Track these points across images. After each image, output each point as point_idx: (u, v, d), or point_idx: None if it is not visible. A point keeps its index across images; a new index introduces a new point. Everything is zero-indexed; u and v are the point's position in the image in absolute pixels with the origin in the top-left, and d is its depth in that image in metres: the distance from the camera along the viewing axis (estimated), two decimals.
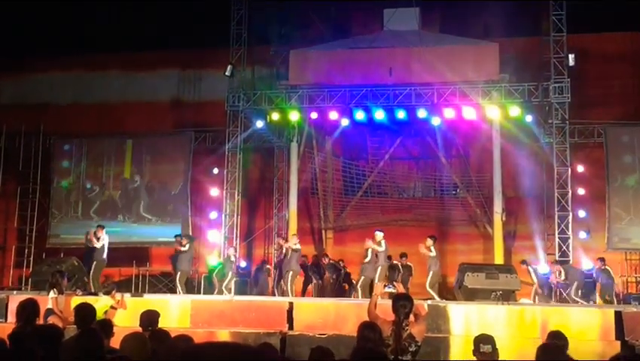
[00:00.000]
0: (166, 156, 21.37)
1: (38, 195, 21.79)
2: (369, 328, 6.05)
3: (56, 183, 21.98)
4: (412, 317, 6.57)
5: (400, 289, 7.61)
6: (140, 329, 6.69)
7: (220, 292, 17.23)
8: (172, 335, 5.81)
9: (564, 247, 17.94)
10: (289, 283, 16.69)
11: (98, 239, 16.44)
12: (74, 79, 23.31)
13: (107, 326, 6.45)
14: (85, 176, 22.06)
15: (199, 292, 18.35)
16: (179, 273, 17.16)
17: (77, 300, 11.16)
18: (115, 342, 5.60)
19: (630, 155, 19.74)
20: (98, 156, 22.04)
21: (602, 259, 17.73)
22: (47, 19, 21.83)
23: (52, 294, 11.65)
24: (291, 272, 16.81)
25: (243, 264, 18.70)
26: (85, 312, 6.67)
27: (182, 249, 17.30)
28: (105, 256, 16.38)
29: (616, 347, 11.00)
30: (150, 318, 7.27)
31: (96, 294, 14.22)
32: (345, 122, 19.77)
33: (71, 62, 23.22)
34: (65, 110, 22.76)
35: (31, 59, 23.01)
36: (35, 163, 21.90)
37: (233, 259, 18.01)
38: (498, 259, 18.57)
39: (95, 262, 16.31)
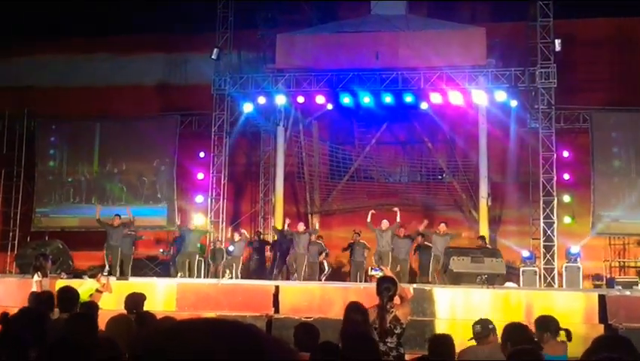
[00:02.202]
0: (152, 139, 21.26)
1: (22, 178, 21.67)
2: (355, 310, 6.07)
3: (41, 165, 21.85)
4: (397, 300, 6.60)
5: (388, 272, 7.64)
6: (125, 312, 6.69)
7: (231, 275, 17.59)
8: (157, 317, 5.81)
9: (549, 232, 18.06)
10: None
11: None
12: (60, 62, 23.09)
13: (92, 308, 6.45)
14: (69, 160, 21.94)
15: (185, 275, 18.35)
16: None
17: (61, 283, 11.13)
18: (100, 324, 5.58)
19: (615, 141, 19.81)
20: (82, 139, 21.90)
21: (422, 235, 17.90)
22: (32, 1, 21.61)
23: (36, 277, 11.63)
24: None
25: (231, 248, 18.70)
26: (68, 295, 6.65)
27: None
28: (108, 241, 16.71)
29: (599, 330, 11.11)
30: (135, 301, 7.26)
31: (80, 276, 14.18)
32: (329, 106, 19.74)
33: (57, 45, 23.01)
34: (51, 93, 22.56)
35: (16, 41, 22.76)
36: (19, 146, 21.76)
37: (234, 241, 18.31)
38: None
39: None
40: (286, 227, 18.47)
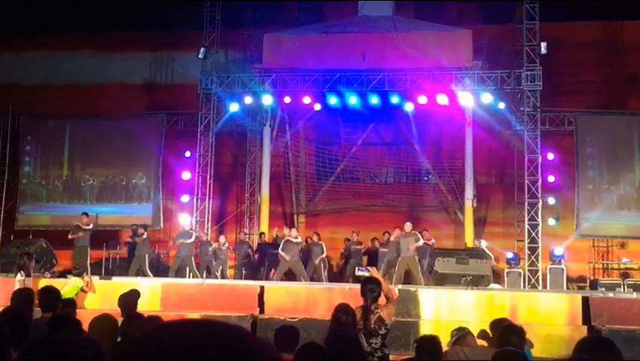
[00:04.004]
0: (138, 138, 21.15)
1: (6, 176, 21.49)
2: (343, 311, 6.07)
3: (21, 165, 21.71)
4: (382, 300, 6.61)
5: (375, 273, 7.60)
6: (109, 311, 6.65)
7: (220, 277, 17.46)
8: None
9: (533, 234, 18.13)
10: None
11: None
12: (45, 59, 22.96)
13: (69, 305, 6.43)
14: (45, 158, 21.77)
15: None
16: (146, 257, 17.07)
17: (45, 282, 11.06)
18: (84, 324, 5.54)
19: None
20: (62, 137, 21.71)
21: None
22: None
23: (19, 276, 11.55)
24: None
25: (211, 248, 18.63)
26: (50, 296, 6.61)
27: (144, 237, 17.31)
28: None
29: (583, 332, 11.16)
30: (128, 300, 7.25)
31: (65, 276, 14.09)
32: (317, 106, 19.73)
33: (42, 42, 22.88)
34: (35, 90, 22.43)
35: (1, 38, 22.61)
36: (3, 144, 21.58)
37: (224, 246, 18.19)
38: (469, 244, 18.72)
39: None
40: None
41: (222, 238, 18.44)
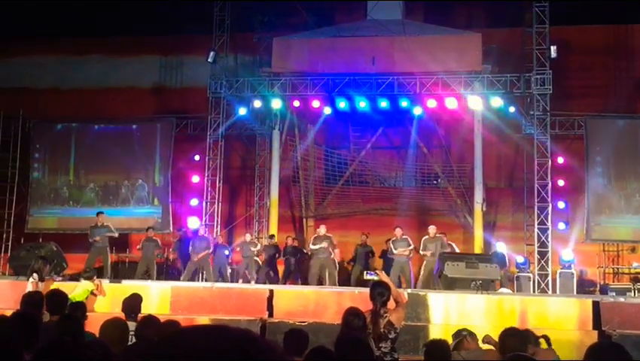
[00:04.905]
0: (148, 142, 21.22)
1: (16, 179, 21.58)
2: (354, 314, 6.05)
3: (32, 170, 21.81)
4: (392, 304, 6.60)
5: (383, 277, 7.59)
6: (119, 315, 6.67)
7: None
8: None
9: (543, 238, 18.07)
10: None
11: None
12: (55, 63, 23.06)
13: (79, 308, 6.44)
14: (60, 162, 21.83)
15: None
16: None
17: (56, 286, 11.10)
18: (94, 328, 5.56)
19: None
20: (71, 142, 21.76)
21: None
22: (27, 2, 21.59)
23: (32, 279, 11.60)
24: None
25: (226, 252, 18.65)
26: (57, 299, 6.64)
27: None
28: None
29: (593, 337, 11.13)
30: (132, 304, 7.25)
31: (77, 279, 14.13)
32: (327, 110, 19.75)
33: (52, 46, 22.99)
34: (45, 94, 22.52)
35: (10, 41, 22.73)
36: (13, 147, 21.66)
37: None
38: (478, 249, 18.67)
39: None
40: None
41: (248, 236, 18.65)
